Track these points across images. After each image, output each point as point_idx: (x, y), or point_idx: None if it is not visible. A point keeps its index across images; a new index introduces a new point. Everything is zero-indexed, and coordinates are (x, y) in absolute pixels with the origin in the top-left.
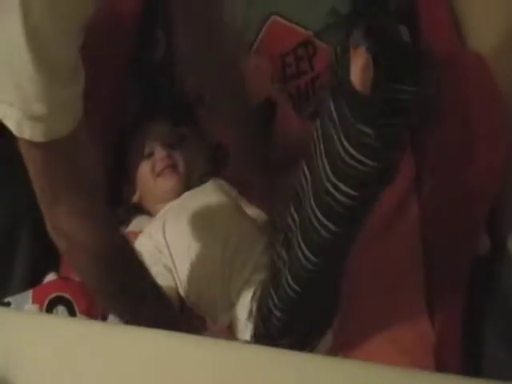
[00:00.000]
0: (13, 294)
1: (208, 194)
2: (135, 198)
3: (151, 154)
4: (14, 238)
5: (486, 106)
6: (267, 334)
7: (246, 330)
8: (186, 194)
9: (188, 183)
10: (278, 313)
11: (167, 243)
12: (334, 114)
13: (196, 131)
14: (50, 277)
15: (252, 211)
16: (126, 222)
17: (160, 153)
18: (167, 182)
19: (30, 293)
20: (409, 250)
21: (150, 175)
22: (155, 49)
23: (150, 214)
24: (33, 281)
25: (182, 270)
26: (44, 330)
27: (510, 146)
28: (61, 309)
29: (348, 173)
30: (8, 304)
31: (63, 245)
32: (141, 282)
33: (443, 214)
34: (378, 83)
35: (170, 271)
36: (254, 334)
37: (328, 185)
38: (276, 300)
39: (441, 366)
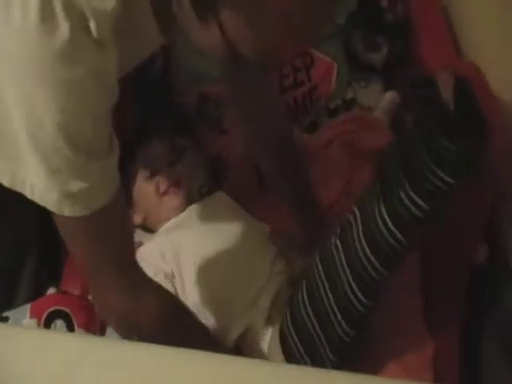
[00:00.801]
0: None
1: (212, 207)
2: (138, 220)
3: (153, 175)
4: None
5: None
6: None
7: (263, 337)
8: (191, 208)
9: (190, 196)
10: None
11: (174, 251)
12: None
13: (195, 143)
14: (50, 291)
15: (253, 223)
16: None
17: (163, 173)
18: (173, 200)
19: (27, 307)
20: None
21: (155, 195)
22: (152, 61)
23: (153, 231)
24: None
25: (190, 277)
26: (42, 344)
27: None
28: (59, 323)
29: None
30: (6, 319)
31: (113, 321)
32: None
33: (440, 225)
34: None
35: (171, 279)
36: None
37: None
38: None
39: (439, 379)
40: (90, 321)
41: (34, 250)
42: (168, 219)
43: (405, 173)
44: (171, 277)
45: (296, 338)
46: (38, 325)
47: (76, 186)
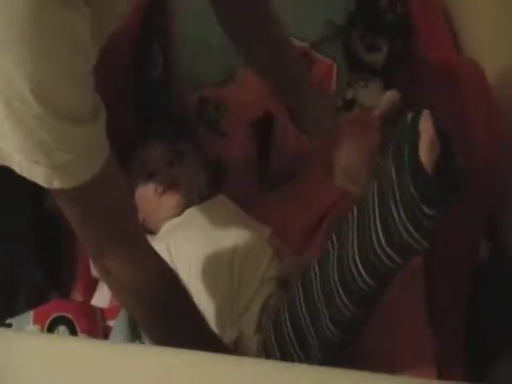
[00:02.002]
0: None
1: (211, 210)
2: None
3: (153, 175)
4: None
5: (483, 113)
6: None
7: (252, 343)
8: (189, 211)
9: (189, 199)
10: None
11: (171, 257)
12: (395, 185)
13: (195, 146)
14: (53, 297)
15: (254, 225)
16: None
17: (162, 172)
18: (171, 199)
19: (30, 314)
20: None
21: (154, 195)
22: (153, 64)
23: (152, 233)
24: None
25: (187, 284)
26: (45, 349)
27: (507, 153)
28: (62, 329)
29: (398, 243)
30: (9, 325)
31: (112, 285)
32: (188, 319)
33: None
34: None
35: None
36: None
37: (377, 247)
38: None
39: (443, 377)
40: (93, 326)
41: (33, 258)
42: (167, 219)
43: (381, 222)
44: None
45: (277, 351)
46: (41, 331)
47: (61, 156)
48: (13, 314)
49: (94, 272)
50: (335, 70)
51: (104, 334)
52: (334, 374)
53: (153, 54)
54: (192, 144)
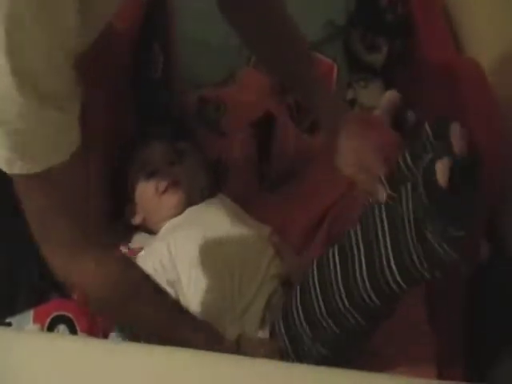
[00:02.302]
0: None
1: (211, 209)
2: (137, 220)
3: (153, 174)
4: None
5: (483, 113)
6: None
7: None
8: (190, 210)
9: (190, 198)
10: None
11: (172, 257)
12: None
13: (195, 146)
14: (53, 296)
15: (254, 225)
16: (127, 238)
17: (162, 171)
18: (171, 198)
19: (30, 313)
20: None
21: (154, 194)
22: (153, 64)
23: (153, 232)
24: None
25: (188, 284)
26: (45, 348)
27: (507, 153)
28: (62, 328)
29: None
30: (9, 324)
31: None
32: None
33: None
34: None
35: (173, 285)
36: None
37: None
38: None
39: (443, 376)
40: (93, 325)
41: (33, 258)
42: (167, 219)
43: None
44: (172, 284)
45: (287, 343)
46: (42, 330)
47: (27, 137)
48: (13, 314)
49: None
50: (335, 70)
51: (104, 333)
52: (334, 374)
53: (153, 54)
54: (192, 144)
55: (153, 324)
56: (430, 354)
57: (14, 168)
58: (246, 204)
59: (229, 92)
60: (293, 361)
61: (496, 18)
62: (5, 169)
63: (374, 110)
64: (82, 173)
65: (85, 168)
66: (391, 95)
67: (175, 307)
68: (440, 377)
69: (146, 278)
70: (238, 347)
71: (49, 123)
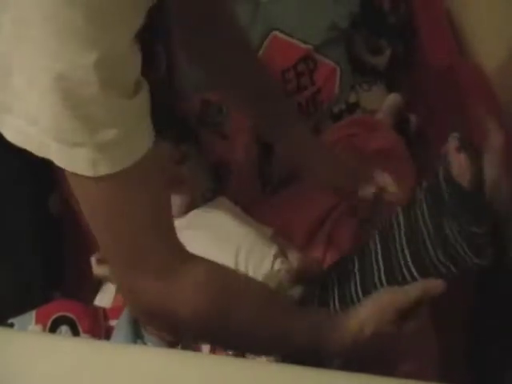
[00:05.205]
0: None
1: (214, 211)
2: None
3: None
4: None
5: (484, 115)
6: None
7: None
8: (193, 213)
9: (193, 200)
10: None
11: None
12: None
13: (198, 149)
14: (55, 297)
15: (256, 226)
16: None
17: (167, 169)
18: (175, 197)
19: (33, 313)
20: None
21: None
22: (156, 65)
23: None
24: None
25: None
26: (47, 349)
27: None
28: (64, 328)
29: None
30: (11, 325)
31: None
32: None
33: None
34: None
35: None
36: None
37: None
38: None
39: (444, 379)
40: (95, 326)
41: (33, 258)
42: None
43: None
44: None
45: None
46: (44, 331)
47: (111, 133)
48: (15, 315)
49: (97, 272)
50: (338, 72)
51: (106, 334)
52: (334, 375)
53: (155, 55)
54: (195, 146)
55: (268, 329)
56: (430, 355)
57: (99, 169)
58: (248, 207)
59: None
60: None
61: (499, 22)
62: (88, 171)
63: (376, 113)
64: (154, 169)
65: (156, 165)
66: (394, 98)
67: (285, 300)
68: (441, 378)
69: (244, 276)
70: None
71: (129, 113)
